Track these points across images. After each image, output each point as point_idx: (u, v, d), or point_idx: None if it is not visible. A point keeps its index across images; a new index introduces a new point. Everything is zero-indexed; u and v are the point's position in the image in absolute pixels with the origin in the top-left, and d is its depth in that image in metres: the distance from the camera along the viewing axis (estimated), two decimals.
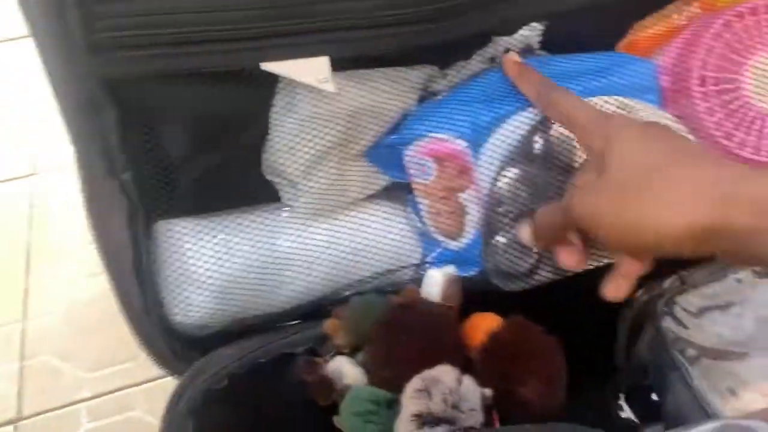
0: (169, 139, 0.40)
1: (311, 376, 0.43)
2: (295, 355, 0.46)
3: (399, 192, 0.50)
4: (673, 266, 0.57)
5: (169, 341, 0.45)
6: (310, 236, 0.46)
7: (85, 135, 0.38)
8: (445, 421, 0.36)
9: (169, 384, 0.77)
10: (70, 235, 0.90)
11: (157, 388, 0.76)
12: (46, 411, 0.74)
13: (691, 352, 0.44)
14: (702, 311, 0.46)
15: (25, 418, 0.74)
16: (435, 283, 0.44)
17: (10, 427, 0.73)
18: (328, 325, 0.45)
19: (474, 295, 0.47)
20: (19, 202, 0.94)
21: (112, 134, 0.38)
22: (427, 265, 0.49)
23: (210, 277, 0.43)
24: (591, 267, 0.50)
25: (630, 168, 0.36)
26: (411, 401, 0.37)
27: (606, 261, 0.46)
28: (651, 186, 0.34)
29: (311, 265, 0.46)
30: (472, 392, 0.37)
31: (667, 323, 0.47)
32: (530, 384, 0.39)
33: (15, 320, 0.82)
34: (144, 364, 0.80)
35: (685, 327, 0.46)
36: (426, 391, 0.37)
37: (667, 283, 0.59)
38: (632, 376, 0.52)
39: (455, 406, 0.37)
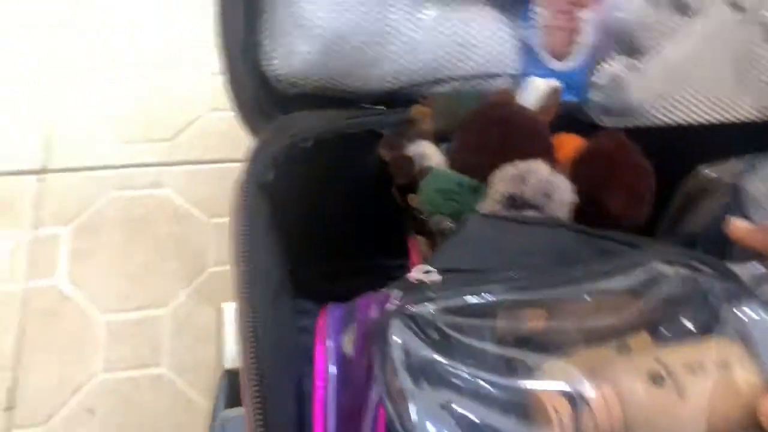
0: None
1: (394, 152, 0.42)
2: (380, 135, 0.45)
3: (516, 2, 0.48)
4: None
5: (257, 89, 0.44)
6: (420, 16, 0.44)
7: None
8: (535, 207, 0.37)
9: (203, 170, 0.76)
10: None
11: (192, 172, 0.74)
12: (74, 170, 0.73)
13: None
14: None
15: (52, 171, 0.73)
16: (536, 89, 0.43)
17: (34, 177, 0.72)
18: (418, 109, 0.43)
19: (561, 121, 0.46)
20: None
21: None
22: (527, 77, 0.48)
23: (320, 26, 0.41)
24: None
25: None
26: (505, 183, 0.37)
27: None
28: None
29: (415, 46, 0.44)
30: (564, 187, 0.37)
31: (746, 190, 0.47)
32: (619, 196, 0.39)
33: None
34: (181, 147, 0.78)
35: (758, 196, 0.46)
36: (521, 176, 0.37)
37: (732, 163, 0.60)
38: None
39: (547, 195, 0.37)
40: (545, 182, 0.37)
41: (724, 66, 0.48)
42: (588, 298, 0.31)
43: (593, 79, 0.47)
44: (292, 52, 0.42)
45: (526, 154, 0.39)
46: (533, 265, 0.32)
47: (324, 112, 0.45)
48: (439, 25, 0.45)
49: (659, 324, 0.32)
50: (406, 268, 0.57)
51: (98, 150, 0.73)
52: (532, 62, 0.48)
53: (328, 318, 0.39)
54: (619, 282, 0.32)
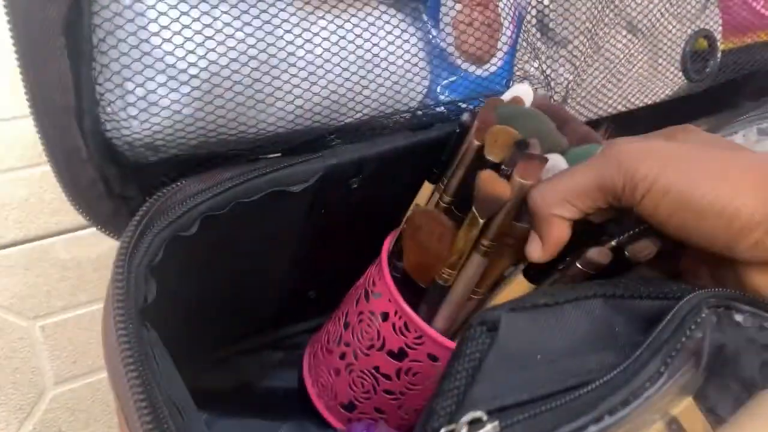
0: None
1: None
2: (291, 194, 0.33)
3: None
4: None
5: (101, 166, 0.29)
6: (316, 27, 0.33)
7: None
8: None
9: None
10: None
11: None
12: None
13: None
14: None
15: None
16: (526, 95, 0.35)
17: None
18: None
19: None
20: None
21: None
22: (442, 97, 0.38)
23: (191, 65, 0.28)
24: None
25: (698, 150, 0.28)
26: None
27: None
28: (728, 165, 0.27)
29: (315, 68, 0.33)
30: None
31: None
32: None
33: None
34: None
35: None
36: None
37: None
38: None
39: None
40: None
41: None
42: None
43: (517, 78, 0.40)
44: (155, 105, 0.28)
45: None
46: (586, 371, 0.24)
47: (209, 176, 0.32)
48: (341, 33, 0.34)
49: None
50: (312, 331, 0.47)
51: None
52: (443, 71, 0.39)
53: None
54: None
